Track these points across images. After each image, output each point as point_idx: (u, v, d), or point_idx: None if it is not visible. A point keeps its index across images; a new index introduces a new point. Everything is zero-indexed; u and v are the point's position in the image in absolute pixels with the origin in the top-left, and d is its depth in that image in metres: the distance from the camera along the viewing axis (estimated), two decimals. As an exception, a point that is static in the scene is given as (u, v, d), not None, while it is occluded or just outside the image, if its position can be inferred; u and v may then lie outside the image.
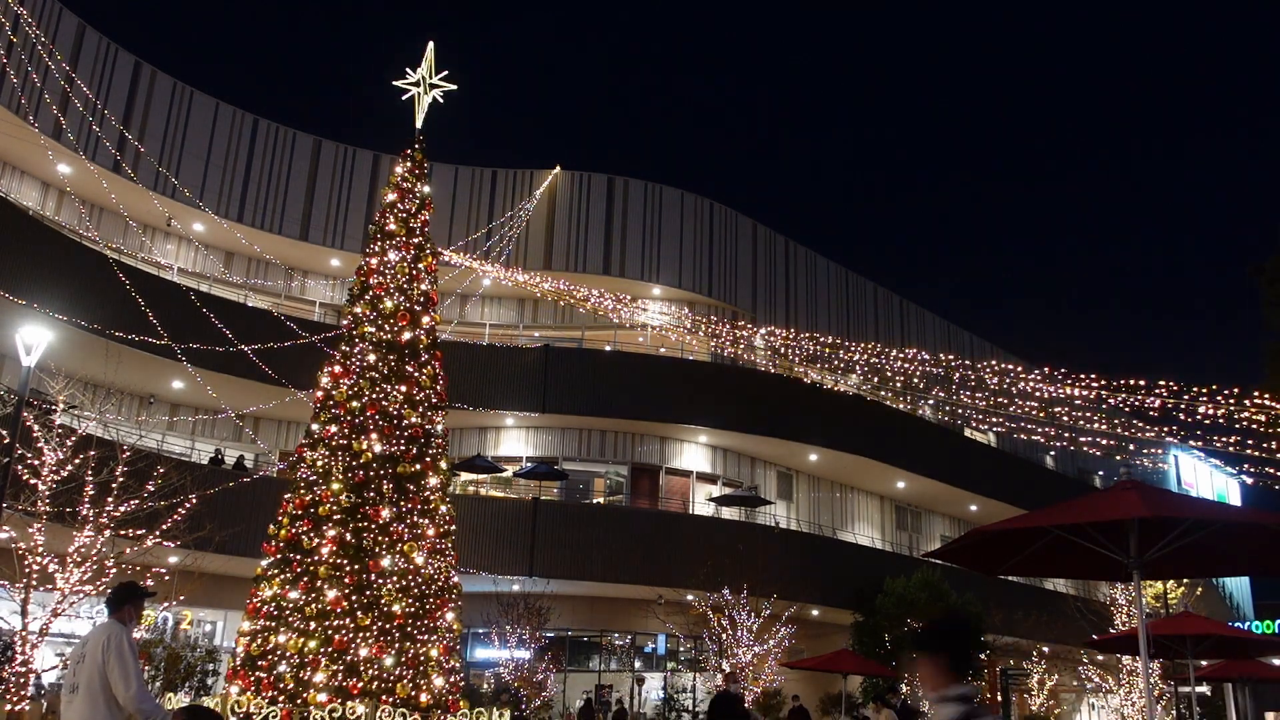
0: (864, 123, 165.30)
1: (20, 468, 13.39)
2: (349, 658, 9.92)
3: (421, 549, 10.70)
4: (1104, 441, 29.31)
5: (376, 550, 10.38)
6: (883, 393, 33.63)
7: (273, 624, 10.16)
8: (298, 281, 30.61)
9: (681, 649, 28.91)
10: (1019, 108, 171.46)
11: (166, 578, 16.22)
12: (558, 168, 32.03)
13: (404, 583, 10.44)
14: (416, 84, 13.02)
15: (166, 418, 25.73)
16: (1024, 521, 7.18)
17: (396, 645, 10.15)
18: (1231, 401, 20.31)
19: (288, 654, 9.91)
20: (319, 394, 11.43)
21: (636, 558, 26.14)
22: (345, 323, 12.08)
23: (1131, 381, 21.65)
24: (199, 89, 28.18)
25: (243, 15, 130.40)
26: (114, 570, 13.75)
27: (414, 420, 11.17)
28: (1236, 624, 33.88)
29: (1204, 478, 48.79)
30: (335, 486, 10.56)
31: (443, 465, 11.47)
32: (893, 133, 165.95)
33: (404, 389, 11.23)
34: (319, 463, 10.83)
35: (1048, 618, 29.71)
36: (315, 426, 11.19)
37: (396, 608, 10.23)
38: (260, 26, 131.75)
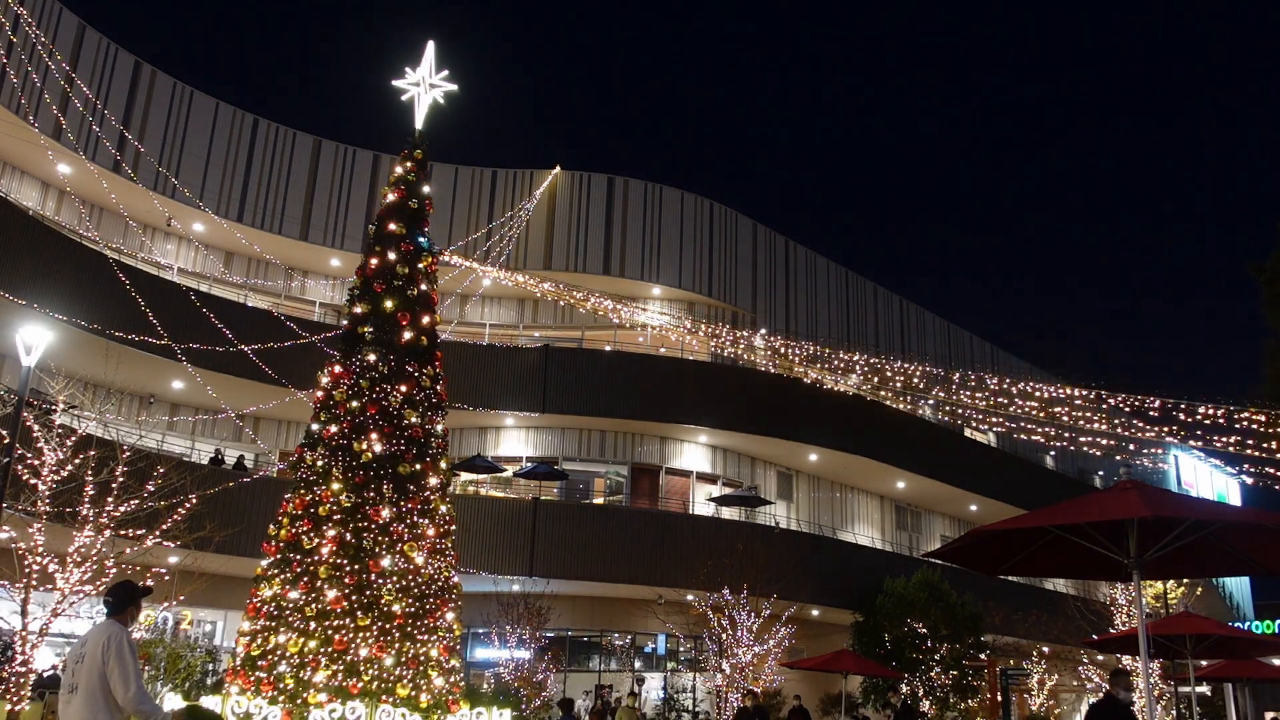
0: (864, 123, 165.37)
1: (20, 468, 13.39)
2: (349, 658, 9.91)
3: (421, 549, 10.70)
4: (1104, 441, 29.31)
5: (376, 550, 10.37)
6: (883, 393, 33.61)
7: (273, 624, 10.16)
8: (298, 281, 30.60)
9: (681, 649, 28.91)
10: (1019, 107, 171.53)
11: (166, 578, 16.21)
12: (558, 168, 32.03)
13: (404, 583, 10.43)
14: (416, 84, 13.02)
15: (166, 418, 25.73)
16: (1024, 521, 7.18)
17: (396, 645, 10.14)
18: (1231, 402, 20.32)
19: (288, 654, 9.91)
20: (319, 394, 11.43)
21: (636, 558, 26.13)
22: (345, 323, 12.08)
23: (1131, 381, 21.63)
24: (199, 89, 28.20)
25: (243, 15, 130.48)
26: (114, 570, 13.76)
27: (414, 420, 11.17)
28: (1236, 624, 33.87)
29: (1204, 478, 48.74)
30: (335, 486, 10.56)
31: (443, 465, 11.47)
32: (893, 132, 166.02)
33: (404, 389, 11.23)
34: (319, 463, 10.83)
35: (1048, 618, 29.70)
36: (315, 426, 11.19)
37: (396, 608, 10.23)
38: (260, 26, 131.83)
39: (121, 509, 13.94)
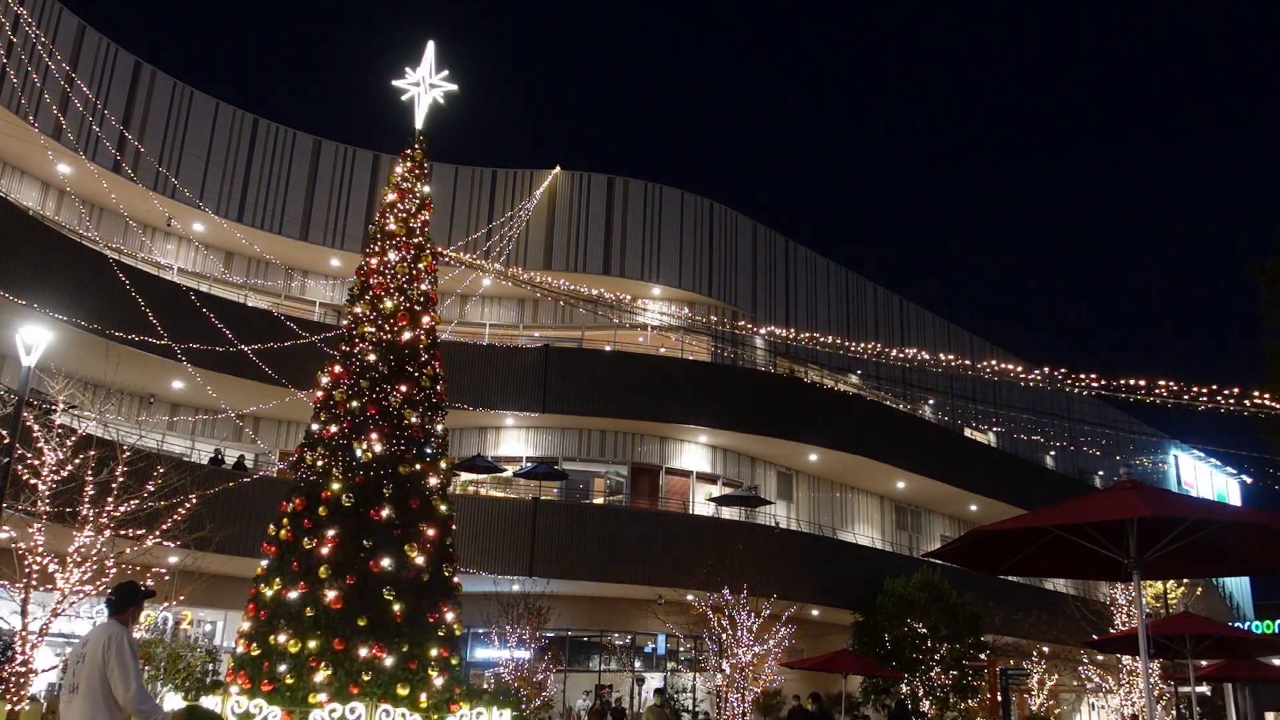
0: (864, 122, 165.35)
1: (20, 468, 13.39)
2: (349, 658, 9.90)
3: (422, 549, 10.68)
4: (1104, 441, 29.31)
5: (376, 550, 10.36)
6: (883, 393, 33.61)
7: (273, 624, 10.15)
8: (298, 281, 30.59)
9: (681, 649, 28.90)
10: (1019, 108, 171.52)
11: (166, 578, 16.21)
12: (558, 168, 32.02)
13: (404, 583, 10.42)
14: (416, 84, 13.00)
15: (166, 418, 25.72)
16: (1024, 521, 7.18)
17: (396, 645, 10.13)
18: (1231, 401, 20.29)
19: (288, 654, 9.90)
20: (319, 394, 11.42)
21: (636, 558, 26.12)
22: (345, 323, 12.06)
23: (1131, 381, 21.63)
24: (199, 89, 28.18)
25: (243, 15, 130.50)
26: (114, 570, 13.76)
27: (414, 420, 11.15)
28: (1236, 624, 33.86)
29: (1204, 478, 48.76)
30: (335, 486, 10.54)
31: (443, 465, 11.45)
32: (893, 132, 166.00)
33: (404, 389, 11.22)
34: (319, 463, 10.82)
35: (1048, 618, 29.71)
36: (315, 426, 11.17)
37: (396, 608, 10.22)
38: (260, 26, 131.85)
39: (121, 509, 13.94)
